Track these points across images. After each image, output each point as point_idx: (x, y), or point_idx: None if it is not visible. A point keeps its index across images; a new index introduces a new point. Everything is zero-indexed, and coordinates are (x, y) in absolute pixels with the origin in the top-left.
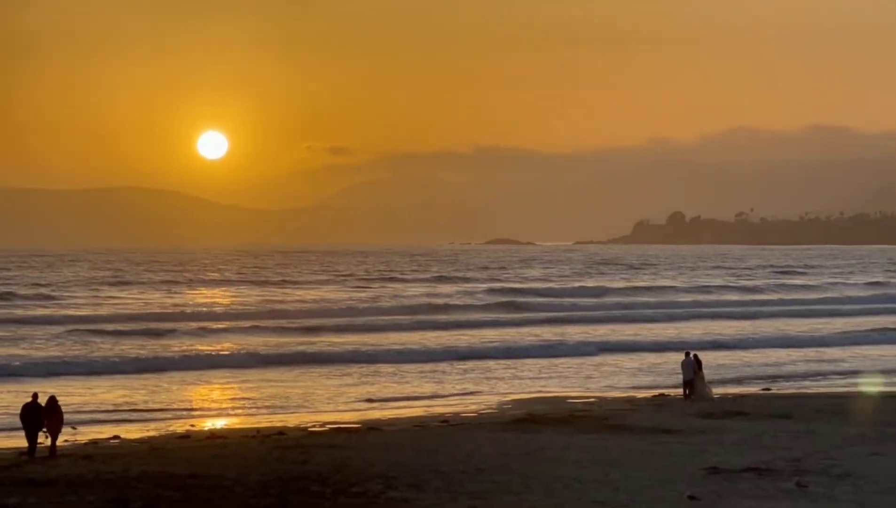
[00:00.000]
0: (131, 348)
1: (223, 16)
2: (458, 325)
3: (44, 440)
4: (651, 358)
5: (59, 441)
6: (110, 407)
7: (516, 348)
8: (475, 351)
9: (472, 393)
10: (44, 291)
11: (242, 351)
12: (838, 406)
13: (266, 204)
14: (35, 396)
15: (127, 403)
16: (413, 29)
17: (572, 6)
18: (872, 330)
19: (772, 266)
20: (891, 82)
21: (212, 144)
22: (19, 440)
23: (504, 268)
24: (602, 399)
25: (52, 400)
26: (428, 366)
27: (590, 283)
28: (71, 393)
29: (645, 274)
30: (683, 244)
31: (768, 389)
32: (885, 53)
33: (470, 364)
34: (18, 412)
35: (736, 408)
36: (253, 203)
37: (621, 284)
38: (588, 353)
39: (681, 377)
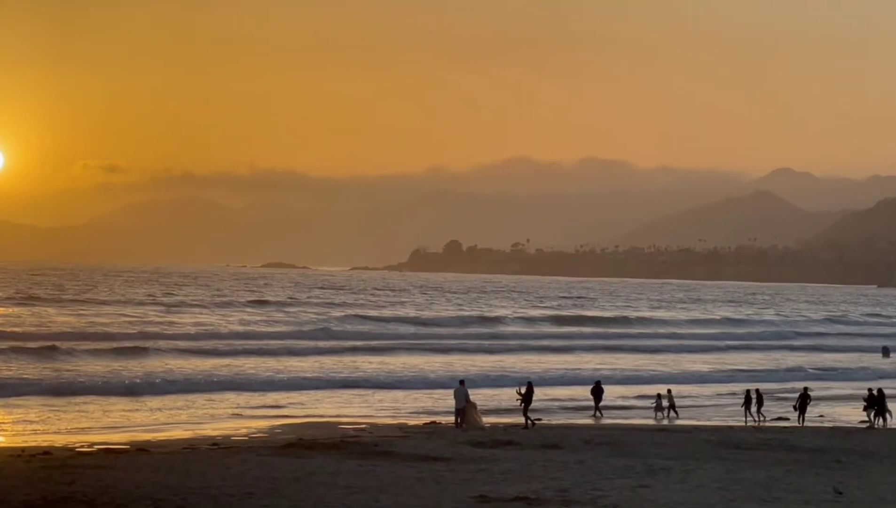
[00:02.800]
0: None
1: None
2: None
3: None
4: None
5: None
6: None
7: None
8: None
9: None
10: None
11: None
12: (608, 437)
13: (37, 220)
14: None
15: None
16: (192, 45)
17: (353, 28)
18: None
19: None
20: (662, 118)
21: None
22: None
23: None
24: (373, 426)
25: None
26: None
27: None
28: None
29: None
30: (460, 273)
31: (539, 419)
32: (659, 88)
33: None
34: None
35: (507, 437)
36: (23, 219)
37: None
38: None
39: (453, 405)
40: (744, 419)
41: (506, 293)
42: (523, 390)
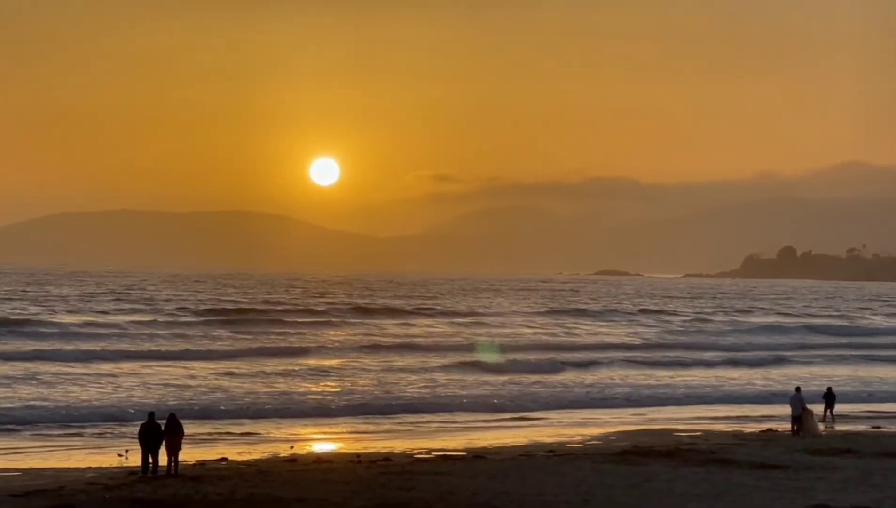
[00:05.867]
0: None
1: (336, 44)
2: None
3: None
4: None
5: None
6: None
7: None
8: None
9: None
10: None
11: None
12: None
13: (374, 230)
14: (151, 415)
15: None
16: (518, 57)
17: (675, 35)
18: None
19: None
20: None
21: (324, 171)
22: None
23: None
24: (709, 433)
25: (172, 418)
26: None
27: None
28: None
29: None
30: (794, 279)
31: (878, 427)
32: None
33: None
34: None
35: (845, 445)
36: (361, 229)
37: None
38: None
39: (790, 412)
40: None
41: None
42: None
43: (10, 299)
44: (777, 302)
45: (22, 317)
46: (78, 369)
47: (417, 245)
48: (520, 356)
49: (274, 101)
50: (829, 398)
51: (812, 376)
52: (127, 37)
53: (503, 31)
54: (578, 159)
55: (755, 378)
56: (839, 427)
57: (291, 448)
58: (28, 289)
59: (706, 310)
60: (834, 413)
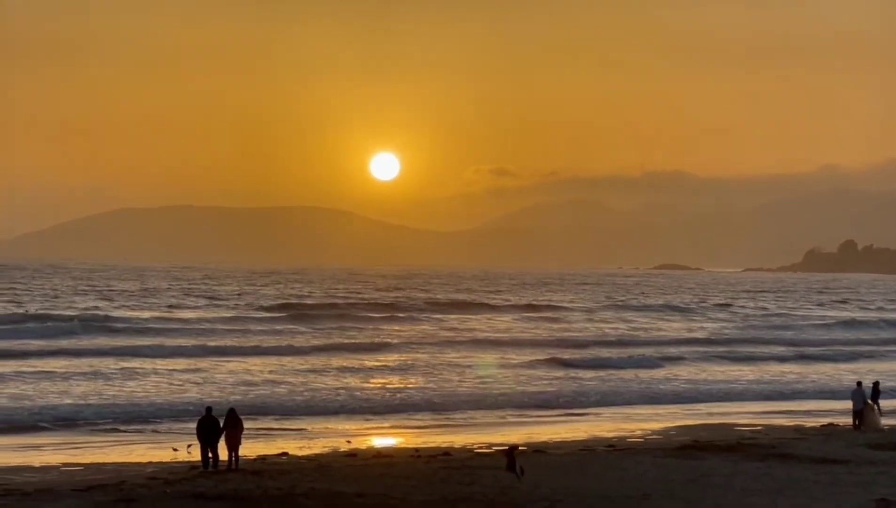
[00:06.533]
0: None
1: (397, 42)
2: None
3: (224, 454)
4: None
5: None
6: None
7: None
8: None
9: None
10: None
11: None
12: None
13: (433, 225)
14: (209, 410)
15: None
16: (576, 51)
17: (737, 27)
18: None
19: None
20: None
21: (384, 166)
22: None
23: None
24: (769, 427)
25: (232, 413)
26: None
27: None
28: None
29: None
30: (856, 273)
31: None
32: None
33: None
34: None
35: None
36: (420, 224)
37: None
38: None
39: (850, 406)
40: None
41: None
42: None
43: (76, 294)
44: (844, 296)
45: (89, 313)
46: (143, 364)
47: (476, 240)
48: (588, 353)
49: (333, 97)
50: (875, 392)
51: (893, 371)
52: (191, 36)
53: (562, 25)
54: (637, 153)
55: (826, 373)
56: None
57: (349, 442)
58: (94, 283)
59: (773, 304)
60: (880, 408)
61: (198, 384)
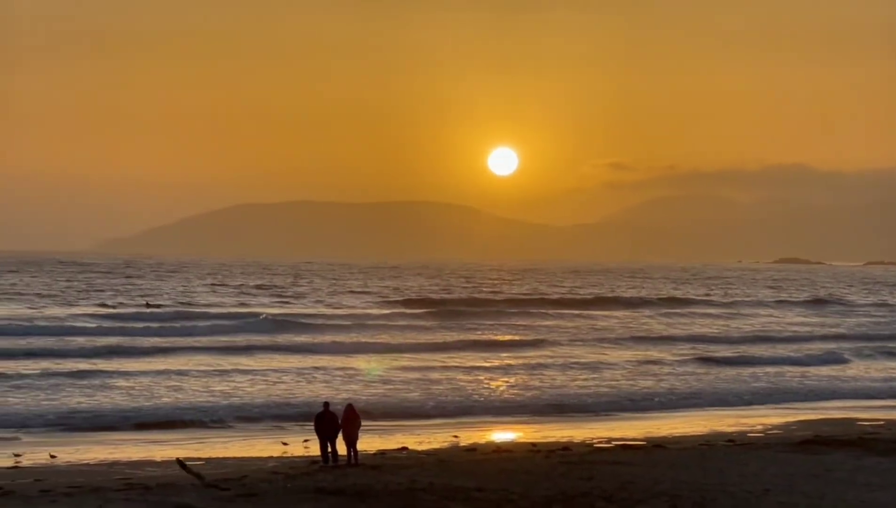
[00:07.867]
0: None
1: (512, 35)
2: None
3: (343, 450)
4: None
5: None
6: None
7: None
8: None
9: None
10: None
11: None
12: None
13: (550, 219)
14: (326, 405)
15: None
16: (696, 43)
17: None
18: None
19: None
20: None
21: (502, 161)
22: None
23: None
24: (892, 422)
25: (349, 408)
26: None
27: None
28: None
29: None
30: None
31: None
32: None
33: None
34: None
35: None
36: (538, 218)
37: None
38: None
39: None
40: None
41: None
42: None
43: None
44: None
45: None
46: (272, 362)
47: (595, 234)
48: (710, 347)
49: (451, 92)
50: None
51: None
52: (311, 37)
53: (677, 21)
54: (755, 147)
55: None
56: None
57: (455, 437)
58: (223, 278)
59: None
60: None
61: (324, 380)
